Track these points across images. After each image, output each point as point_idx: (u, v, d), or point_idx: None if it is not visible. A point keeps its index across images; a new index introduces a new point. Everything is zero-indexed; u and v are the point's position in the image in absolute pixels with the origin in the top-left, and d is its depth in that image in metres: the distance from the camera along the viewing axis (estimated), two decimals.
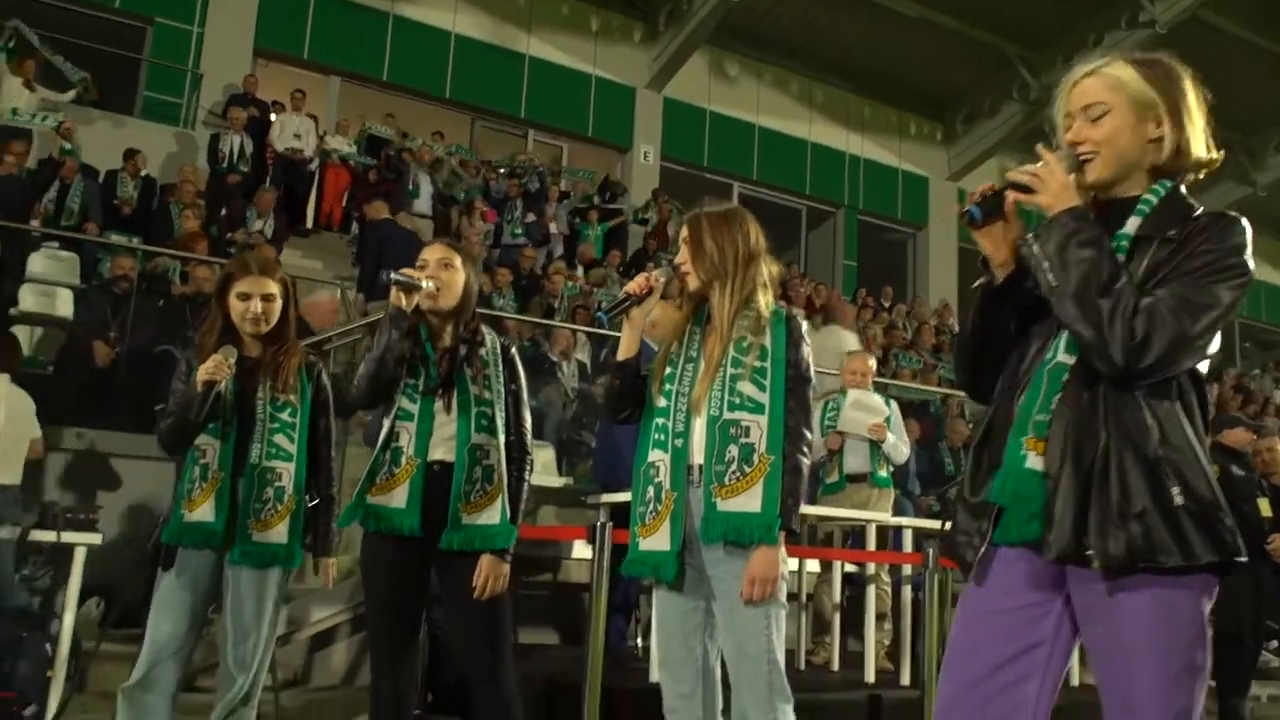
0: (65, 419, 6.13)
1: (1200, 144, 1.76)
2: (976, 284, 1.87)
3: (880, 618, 5.40)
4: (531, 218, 11.62)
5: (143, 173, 9.55)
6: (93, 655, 4.11)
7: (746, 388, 2.38)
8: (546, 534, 4.20)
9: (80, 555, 3.85)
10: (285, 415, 2.96)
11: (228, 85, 11.52)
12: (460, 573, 2.70)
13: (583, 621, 4.00)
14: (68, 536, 3.82)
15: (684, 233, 2.56)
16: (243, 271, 2.98)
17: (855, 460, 5.70)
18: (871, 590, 5.33)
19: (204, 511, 2.86)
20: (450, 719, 4.54)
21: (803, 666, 5.40)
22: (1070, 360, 1.72)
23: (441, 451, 2.74)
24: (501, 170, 12.26)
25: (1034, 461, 1.70)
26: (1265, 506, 5.92)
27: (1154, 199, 1.73)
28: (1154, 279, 1.66)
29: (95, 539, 3.91)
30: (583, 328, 8.75)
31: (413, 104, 13.07)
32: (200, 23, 11.81)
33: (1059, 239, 1.66)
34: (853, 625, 5.65)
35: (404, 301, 2.72)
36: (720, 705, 2.44)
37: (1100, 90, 1.75)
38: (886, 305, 14.52)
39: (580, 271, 11.17)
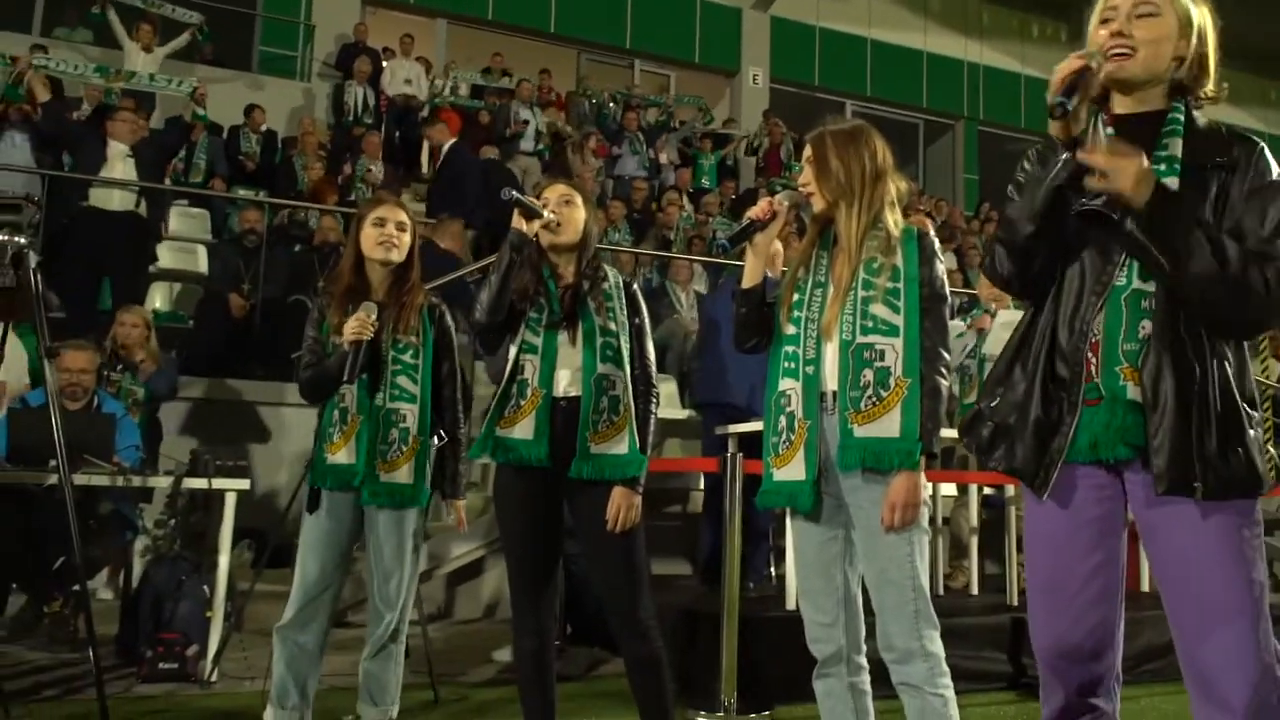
0: (207, 370, 6.39)
1: (1212, 76, 1.86)
2: (1048, 168, 1.83)
3: (1021, 540, 5.25)
4: (652, 153, 11.51)
5: (263, 127, 9.78)
6: (248, 595, 4.30)
7: (879, 310, 2.29)
8: (676, 466, 4.16)
9: (231, 500, 3.99)
10: (408, 357, 3.00)
11: (339, 35, 11.68)
12: (592, 503, 2.70)
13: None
14: (218, 483, 3.97)
15: (807, 152, 2.46)
16: (375, 202, 3.07)
17: None
18: (1011, 512, 5.17)
19: (344, 454, 2.93)
20: (591, 648, 4.61)
21: (942, 591, 5.30)
22: (1149, 288, 1.79)
23: (566, 383, 2.74)
24: (615, 99, 12.12)
25: (1133, 392, 1.79)
26: None
27: (1180, 117, 1.82)
28: (1224, 209, 1.76)
29: (244, 484, 4.05)
30: (699, 258, 8.65)
31: (519, 41, 13.05)
32: None
33: (1165, 227, 1.71)
34: (992, 548, 5.52)
35: (525, 226, 2.70)
36: (863, 633, 2.39)
37: None
38: None
39: (687, 202, 11.00)
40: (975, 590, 5.28)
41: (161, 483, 4.16)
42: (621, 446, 2.73)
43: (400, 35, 11.54)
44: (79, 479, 3.70)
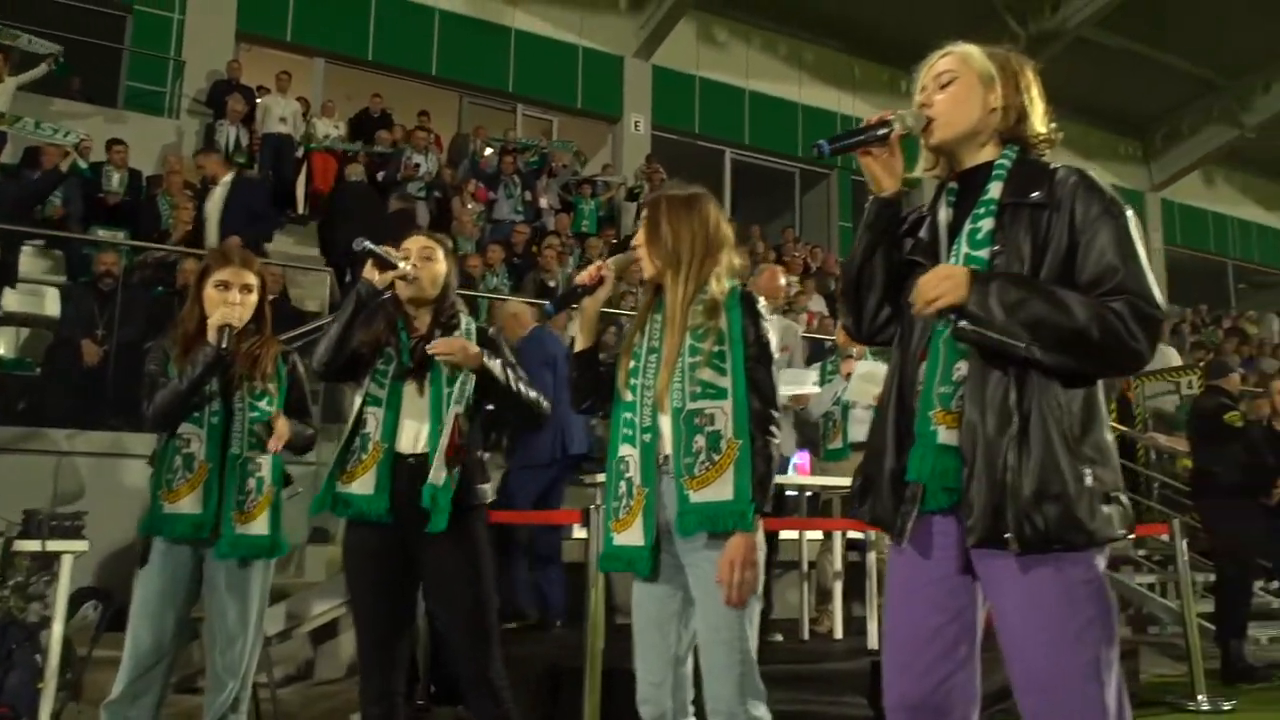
0: (55, 420, 6.08)
1: (1039, 118, 1.93)
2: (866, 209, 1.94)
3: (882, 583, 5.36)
4: (529, 195, 11.51)
5: (127, 164, 9.44)
6: (87, 661, 4.08)
7: (706, 374, 2.32)
8: (543, 518, 4.14)
9: (67, 563, 3.80)
10: (264, 404, 2.96)
11: (211, 72, 11.40)
12: (441, 560, 2.66)
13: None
14: (53, 545, 3.77)
15: (645, 214, 2.48)
16: (221, 262, 2.97)
17: (860, 428, 5.63)
18: (873, 557, 5.29)
19: (189, 503, 2.82)
20: (454, 708, 4.52)
21: (806, 636, 5.38)
22: None
23: (411, 437, 2.70)
24: (490, 150, 12.11)
25: (945, 436, 1.77)
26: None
27: (1007, 163, 1.87)
28: (1046, 248, 1.77)
29: (82, 546, 3.86)
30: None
31: (400, 83, 12.92)
32: (181, 9, 11.67)
33: (999, 316, 1.70)
34: (857, 591, 5.63)
35: (376, 278, 2.66)
36: (690, 696, 2.39)
37: (950, 62, 1.94)
38: None
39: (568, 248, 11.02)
40: (839, 634, 5.37)
41: None
42: (472, 498, 2.72)
43: (276, 72, 11.34)
44: None
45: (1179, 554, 5.24)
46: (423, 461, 2.68)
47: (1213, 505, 6.22)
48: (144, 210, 8.92)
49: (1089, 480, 1.70)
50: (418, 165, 10.67)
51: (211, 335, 2.79)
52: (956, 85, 1.91)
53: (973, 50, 1.95)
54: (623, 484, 2.39)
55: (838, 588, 5.39)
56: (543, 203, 11.72)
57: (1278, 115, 16.50)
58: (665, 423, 2.34)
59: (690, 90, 14.86)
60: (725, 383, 2.31)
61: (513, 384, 2.83)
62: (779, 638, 5.01)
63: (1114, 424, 8.12)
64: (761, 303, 2.42)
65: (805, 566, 5.55)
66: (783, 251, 13.34)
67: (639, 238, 2.46)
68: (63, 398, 6.32)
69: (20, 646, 3.87)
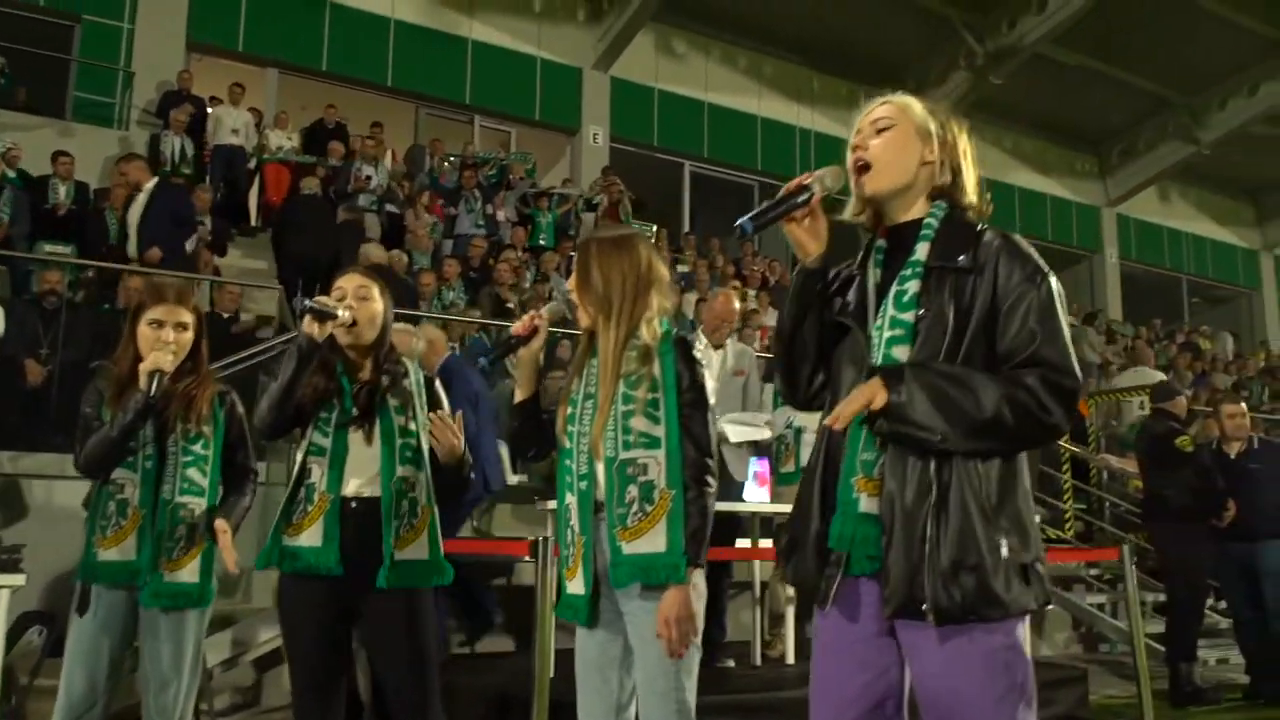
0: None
1: (973, 182, 1.92)
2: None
3: None
4: (490, 209, 11.46)
5: (73, 176, 9.28)
6: (28, 690, 3.99)
7: (640, 423, 2.29)
8: (491, 549, 4.08)
9: (4, 596, 3.70)
10: (198, 448, 2.89)
11: (161, 82, 11.23)
12: (388, 615, 2.63)
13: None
14: None
15: (575, 259, 2.47)
16: (156, 299, 2.88)
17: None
18: None
19: (123, 549, 2.77)
20: None
21: (759, 661, 5.37)
22: None
23: (358, 486, 2.66)
24: (450, 161, 12.04)
25: (867, 504, 1.79)
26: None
27: (935, 222, 1.87)
28: (970, 312, 1.78)
29: (19, 580, 3.76)
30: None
31: (354, 94, 12.83)
32: (130, 18, 11.51)
33: (914, 415, 1.71)
34: (809, 614, 5.61)
35: (316, 330, 2.61)
36: None
37: (888, 110, 1.92)
38: None
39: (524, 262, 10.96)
40: (791, 659, 5.36)
41: None
42: (423, 551, 2.68)
43: (229, 84, 11.20)
44: None
45: (1128, 576, 5.30)
46: (371, 510, 2.63)
47: (1164, 528, 6.30)
48: (90, 223, 8.78)
49: (1005, 551, 1.71)
50: (368, 177, 10.58)
51: (142, 381, 2.72)
52: (894, 132, 1.90)
53: (912, 101, 1.95)
54: (568, 532, 2.37)
55: (790, 611, 5.38)
56: (500, 215, 11.67)
57: (1233, 132, 16.80)
58: (601, 471, 2.32)
59: (649, 102, 14.88)
60: (659, 431, 2.28)
61: (467, 454, 2.80)
62: (731, 664, 4.99)
63: (1066, 444, 8.24)
64: (698, 346, 2.41)
65: (758, 589, 5.54)
66: (741, 265, 13.37)
67: (571, 283, 2.44)
68: (5, 418, 6.17)
69: None
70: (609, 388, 2.32)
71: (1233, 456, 6.31)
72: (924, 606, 1.70)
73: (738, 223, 1.88)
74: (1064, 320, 1.78)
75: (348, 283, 2.77)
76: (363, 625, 2.67)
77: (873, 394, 1.74)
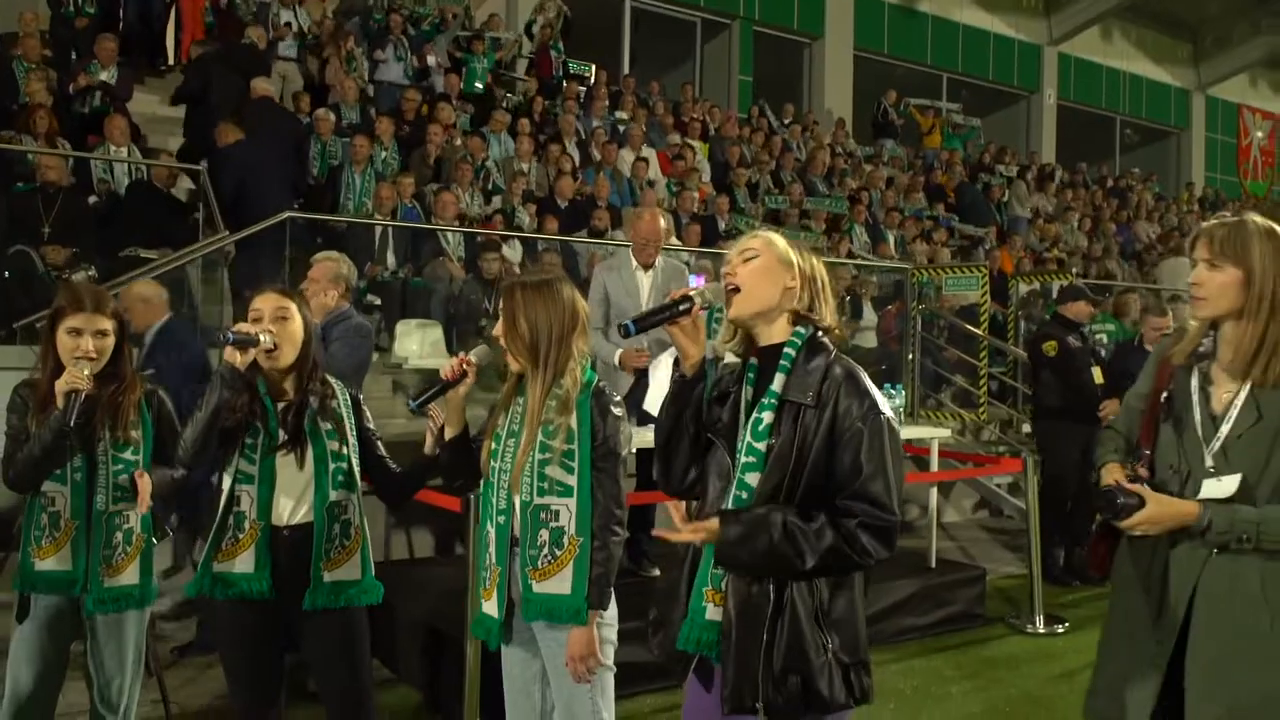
0: None
1: (829, 308, 2.18)
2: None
3: None
4: (416, 60, 10.96)
5: None
6: None
7: (555, 472, 2.43)
8: (424, 498, 4.09)
9: None
10: (128, 455, 2.87)
11: None
12: (321, 632, 2.74)
13: None
14: None
15: (501, 303, 2.54)
16: (74, 306, 2.79)
17: None
18: None
19: (59, 560, 2.80)
20: None
21: None
22: None
23: (289, 511, 2.71)
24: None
25: (713, 613, 2.09)
26: (1098, 374, 6.46)
27: (793, 351, 2.10)
28: (811, 445, 2.03)
29: None
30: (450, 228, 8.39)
31: None
32: None
33: (745, 560, 2.01)
34: None
35: (239, 359, 2.62)
36: None
37: (755, 243, 2.19)
38: (786, 122, 14.33)
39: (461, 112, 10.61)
40: None
41: None
42: (354, 571, 2.78)
43: None
44: None
45: (1029, 484, 5.78)
46: (302, 536, 2.70)
47: (1038, 424, 7.04)
48: None
49: (829, 654, 2.01)
50: (288, 24, 10.03)
51: (59, 401, 2.68)
52: (759, 260, 2.15)
53: (775, 237, 2.21)
54: (487, 556, 2.54)
55: None
56: (430, 60, 11.19)
57: None
58: (518, 508, 2.47)
59: None
60: (571, 480, 2.43)
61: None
62: (656, 572, 5.25)
63: (982, 332, 8.53)
64: (613, 398, 2.50)
65: None
66: (680, 111, 13.13)
67: (498, 328, 2.51)
68: None
69: None
70: (530, 435, 2.46)
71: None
72: (756, 705, 2.00)
73: (621, 323, 2.16)
74: (889, 457, 2.03)
75: (265, 304, 2.74)
76: (302, 646, 2.79)
77: (709, 536, 2.02)
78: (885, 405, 2.08)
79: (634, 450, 4.12)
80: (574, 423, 2.44)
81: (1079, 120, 19.63)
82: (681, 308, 2.11)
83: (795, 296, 2.14)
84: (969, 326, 8.72)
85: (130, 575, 2.89)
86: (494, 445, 2.53)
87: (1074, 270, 10.86)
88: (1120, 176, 17.99)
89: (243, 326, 2.69)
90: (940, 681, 4.81)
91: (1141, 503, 2.13)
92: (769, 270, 2.14)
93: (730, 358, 2.21)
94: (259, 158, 7.50)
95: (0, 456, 2.85)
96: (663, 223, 5.28)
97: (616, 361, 5.10)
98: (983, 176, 14.99)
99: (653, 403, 4.66)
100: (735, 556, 2.01)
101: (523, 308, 2.46)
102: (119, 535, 2.87)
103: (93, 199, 7.41)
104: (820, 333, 2.15)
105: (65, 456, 2.78)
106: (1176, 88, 21.00)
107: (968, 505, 8.68)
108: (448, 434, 2.58)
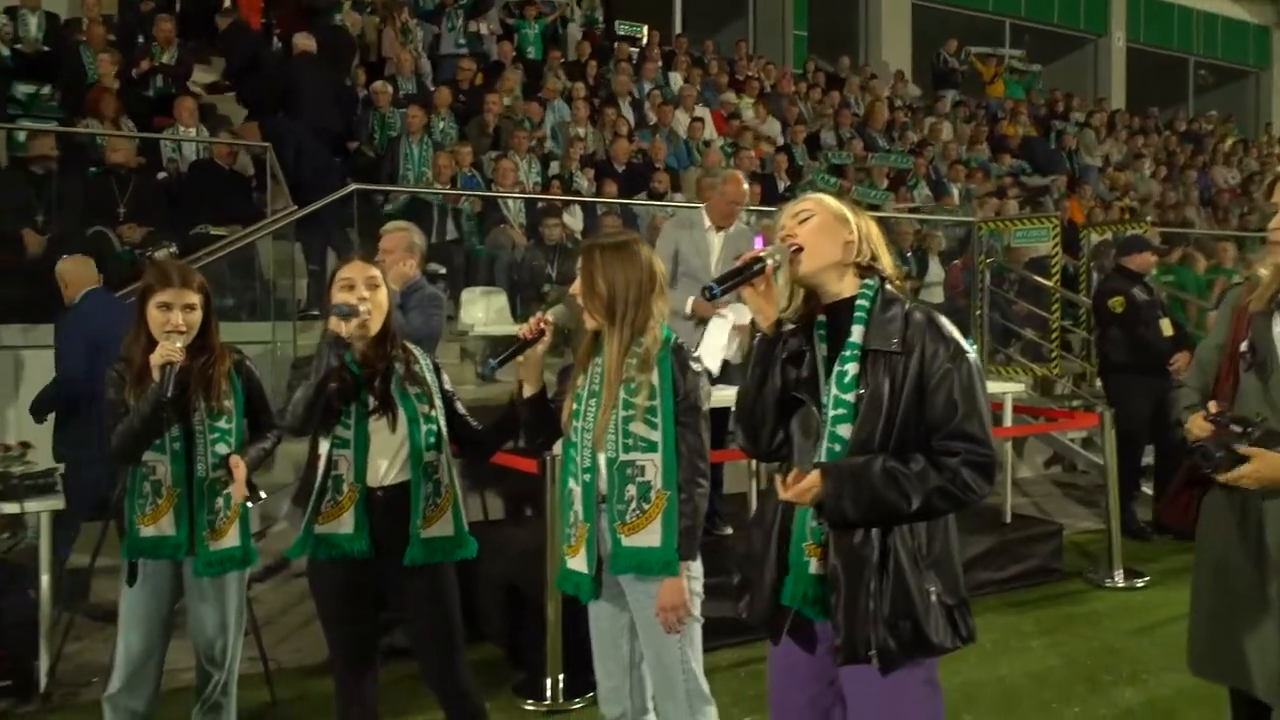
0: (5, 316, 6.01)
1: (888, 261, 2.18)
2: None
3: None
4: (473, 27, 10.98)
5: (42, 8, 8.85)
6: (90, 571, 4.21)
7: (639, 428, 2.48)
8: (502, 460, 4.17)
9: (46, 520, 3.93)
10: (223, 423, 2.98)
11: None
12: (415, 588, 2.83)
13: None
14: (31, 505, 3.89)
15: (579, 263, 2.57)
16: (162, 283, 2.91)
17: None
18: None
19: (163, 525, 2.92)
20: None
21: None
22: None
23: (383, 472, 2.79)
24: None
25: (815, 567, 2.07)
26: (1167, 326, 6.28)
27: (867, 303, 2.09)
28: (902, 390, 2.02)
29: (57, 503, 3.97)
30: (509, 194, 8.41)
31: None
32: None
33: (850, 513, 1.98)
34: None
35: (344, 329, 2.69)
36: (649, 693, 2.68)
37: (807, 203, 2.19)
38: (842, 76, 14.09)
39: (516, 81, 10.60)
40: None
41: None
42: (449, 528, 2.85)
43: None
44: None
45: (1106, 440, 5.67)
46: (396, 496, 2.78)
47: (1107, 379, 6.87)
48: (67, 62, 8.44)
49: (933, 598, 2.02)
50: None
51: (155, 374, 2.79)
52: (816, 219, 2.14)
53: (824, 196, 2.21)
54: (571, 514, 2.60)
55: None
56: (482, 29, 11.20)
57: None
58: (603, 465, 2.52)
59: None
60: (656, 436, 2.48)
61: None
62: (729, 530, 5.28)
63: (1054, 285, 8.36)
64: (692, 354, 2.52)
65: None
66: (735, 70, 12.98)
67: (576, 287, 2.55)
68: (9, 292, 6.20)
69: (9, 588, 4.03)
70: (611, 391, 2.50)
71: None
72: (870, 653, 2.00)
73: (706, 286, 2.13)
74: (980, 394, 2.03)
75: (355, 272, 2.80)
76: (393, 601, 2.88)
77: (810, 489, 2.00)
78: (969, 347, 2.08)
79: None
80: (655, 379, 2.48)
81: (1149, 63, 19.00)
82: (756, 268, 2.11)
83: (856, 249, 2.14)
84: (1039, 279, 8.56)
85: (232, 538, 2.99)
86: (575, 405, 2.58)
87: (1148, 219, 10.57)
88: (1194, 120, 17.40)
89: (342, 296, 2.75)
90: (1019, 636, 4.79)
91: (1232, 456, 2.07)
92: (828, 227, 2.14)
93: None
94: (306, 128, 7.81)
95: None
96: (745, 186, 5.31)
97: (689, 310, 5.08)
98: (1055, 124, 14.62)
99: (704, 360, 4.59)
100: (840, 508, 1.99)
101: (601, 269, 2.51)
102: (219, 500, 2.97)
103: (161, 175, 7.58)
104: (886, 283, 2.15)
105: (163, 428, 2.88)
106: (1255, 25, 20.18)
107: (1040, 461, 8.55)
108: (526, 392, 2.63)
